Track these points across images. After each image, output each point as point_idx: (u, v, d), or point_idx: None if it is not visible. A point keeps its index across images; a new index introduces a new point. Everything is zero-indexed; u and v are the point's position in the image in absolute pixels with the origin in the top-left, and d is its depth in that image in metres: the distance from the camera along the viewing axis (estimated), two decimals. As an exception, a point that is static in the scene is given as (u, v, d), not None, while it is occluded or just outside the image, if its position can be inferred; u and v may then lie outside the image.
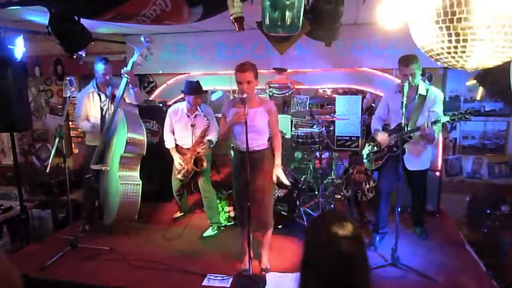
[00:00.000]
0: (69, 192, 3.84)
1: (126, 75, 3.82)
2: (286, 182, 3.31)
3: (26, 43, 3.98)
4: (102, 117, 4.09)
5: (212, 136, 4.08)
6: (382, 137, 3.62)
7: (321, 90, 6.22)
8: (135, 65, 3.81)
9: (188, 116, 4.05)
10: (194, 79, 4.18)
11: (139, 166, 3.97)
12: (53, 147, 3.60)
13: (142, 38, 3.77)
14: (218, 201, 4.46)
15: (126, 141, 3.75)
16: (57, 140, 3.59)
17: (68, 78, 5.76)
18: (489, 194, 4.59)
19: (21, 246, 4.09)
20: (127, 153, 3.80)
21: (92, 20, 3.05)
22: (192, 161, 3.94)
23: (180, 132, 4.11)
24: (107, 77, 4.06)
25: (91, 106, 4.11)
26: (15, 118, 3.81)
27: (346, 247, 1.21)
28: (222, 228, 4.22)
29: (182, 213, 4.61)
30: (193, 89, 3.97)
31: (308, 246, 1.30)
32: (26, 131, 5.60)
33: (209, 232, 4.14)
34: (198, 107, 3.98)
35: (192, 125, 4.04)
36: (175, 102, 5.37)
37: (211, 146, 4.13)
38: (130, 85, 3.93)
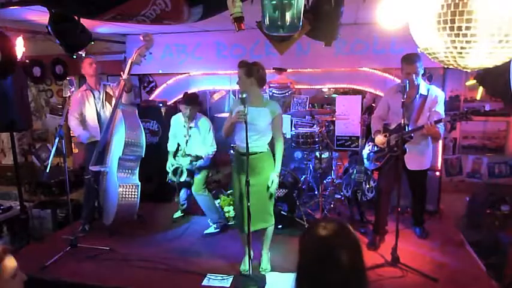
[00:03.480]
0: (68, 192, 3.84)
1: (124, 80, 3.83)
2: (272, 190, 3.16)
3: (26, 43, 3.98)
4: (97, 114, 4.08)
5: (203, 151, 3.98)
6: (380, 140, 3.62)
7: (321, 90, 6.22)
8: (133, 65, 3.80)
9: (184, 127, 4.03)
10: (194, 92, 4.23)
11: (138, 168, 3.96)
12: (52, 147, 3.59)
13: (141, 37, 3.77)
14: (218, 201, 4.46)
15: (125, 143, 3.74)
16: (57, 140, 3.59)
17: (67, 78, 5.76)
18: (489, 194, 4.58)
19: (21, 246, 4.09)
20: (125, 155, 3.80)
21: (92, 20, 3.05)
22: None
23: (180, 142, 4.16)
24: (93, 65, 4.05)
25: (85, 105, 4.08)
26: (15, 118, 3.80)
27: (341, 256, 1.20)
28: (223, 225, 4.22)
29: (182, 214, 4.61)
30: (186, 99, 3.98)
31: (302, 254, 1.29)
32: (25, 130, 5.59)
33: (211, 229, 4.14)
34: (193, 120, 4.01)
35: (186, 136, 4.00)
36: (175, 102, 5.38)
37: (201, 163, 3.97)
38: (126, 89, 3.93)
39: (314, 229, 1.28)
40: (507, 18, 1.45)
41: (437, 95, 3.49)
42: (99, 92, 4.11)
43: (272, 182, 3.13)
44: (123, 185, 3.77)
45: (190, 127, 4.01)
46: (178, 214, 4.60)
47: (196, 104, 4.05)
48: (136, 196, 3.85)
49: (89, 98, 4.09)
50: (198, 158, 3.94)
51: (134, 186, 3.85)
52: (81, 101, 4.08)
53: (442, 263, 3.38)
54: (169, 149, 4.23)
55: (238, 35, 3.24)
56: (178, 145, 4.18)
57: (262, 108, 3.12)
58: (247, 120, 2.90)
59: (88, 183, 4.03)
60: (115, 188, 3.77)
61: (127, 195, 3.79)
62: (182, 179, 3.98)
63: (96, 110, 4.09)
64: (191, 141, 4.02)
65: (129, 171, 3.89)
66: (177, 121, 4.15)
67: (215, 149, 4.07)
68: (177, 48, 5.32)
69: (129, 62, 3.82)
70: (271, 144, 3.28)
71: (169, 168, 4.09)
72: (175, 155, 4.18)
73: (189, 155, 3.96)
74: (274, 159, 3.21)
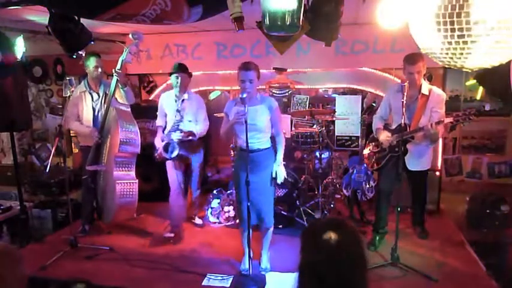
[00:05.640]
0: (68, 192, 3.84)
1: (115, 74, 3.77)
2: (280, 180, 3.21)
3: (26, 43, 3.98)
4: (94, 117, 4.03)
5: (197, 128, 3.94)
6: (384, 137, 3.61)
7: (321, 90, 6.22)
8: (124, 63, 3.78)
9: (176, 101, 3.94)
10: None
11: (134, 165, 3.95)
12: (52, 147, 3.59)
13: (130, 35, 3.74)
14: (218, 201, 4.46)
15: (120, 141, 3.73)
16: (57, 140, 3.58)
17: (67, 78, 5.75)
18: (489, 194, 4.58)
19: (21, 246, 4.09)
20: (121, 153, 3.79)
21: (92, 20, 3.05)
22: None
23: (170, 120, 4.03)
24: (99, 70, 3.96)
25: (83, 106, 4.02)
26: (15, 118, 3.80)
27: (345, 255, 1.20)
28: None
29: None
30: (179, 68, 3.92)
31: (303, 250, 1.29)
32: (25, 130, 5.59)
33: None
34: (185, 92, 3.93)
35: (178, 111, 3.88)
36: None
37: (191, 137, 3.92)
38: (120, 84, 3.85)
39: (316, 228, 1.28)
40: (506, 18, 1.45)
41: (439, 95, 3.48)
42: (98, 95, 4.05)
43: (276, 173, 3.17)
44: (121, 183, 3.77)
45: (183, 100, 3.90)
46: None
47: (186, 72, 3.98)
48: (135, 193, 3.84)
49: (87, 100, 4.02)
50: (190, 133, 3.87)
51: (132, 183, 3.84)
52: (78, 103, 4.03)
53: (442, 263, 3.38)
54: (157, 124, 4.11)
55: (238, 35, 3.24)
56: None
57: (259, 106, 3.12)
58: (248, 121, 2.90)
59: (86, 184, 4.02)
60: (113, 186, 3.77)
61: (126, 192, 3.79)
62: (174, 154, 3.86)
63: (94, 112, 4.02)
64: (183, 115, 3.89)
65: (126, 168, 3.88)
66: (167, 96, 4.06)
67: (208, 125, 4.03)
68: (177, 48, 5.32)
69: (120, 59, 3.78)
70: (272, 139, 3.28)
71: (158, 143, 3.96)
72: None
73: (181, 130, 3.86)
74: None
